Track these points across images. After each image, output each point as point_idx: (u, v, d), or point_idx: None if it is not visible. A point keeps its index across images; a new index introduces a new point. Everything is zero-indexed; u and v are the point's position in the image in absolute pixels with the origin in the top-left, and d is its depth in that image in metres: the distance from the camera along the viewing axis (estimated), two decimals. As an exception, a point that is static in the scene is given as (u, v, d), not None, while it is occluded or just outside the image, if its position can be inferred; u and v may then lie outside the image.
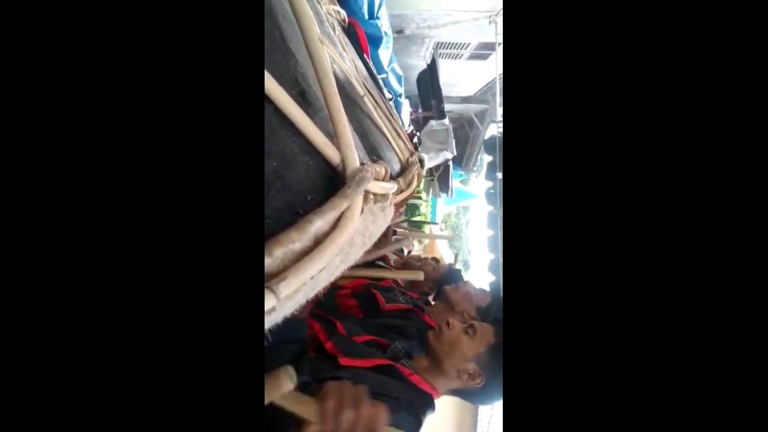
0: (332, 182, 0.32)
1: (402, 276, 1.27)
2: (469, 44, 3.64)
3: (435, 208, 5.65)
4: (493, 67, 3.72)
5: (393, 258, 1.62)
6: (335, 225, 0.30)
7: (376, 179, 0.37)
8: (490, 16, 3.07)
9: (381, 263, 1.40)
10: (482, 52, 3.73)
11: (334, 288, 1.05)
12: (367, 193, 0.34)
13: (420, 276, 1.21)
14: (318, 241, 0.28)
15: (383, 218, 0.39)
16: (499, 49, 3.34)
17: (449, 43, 3.64)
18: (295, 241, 0.26)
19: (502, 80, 3.57)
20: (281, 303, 0.25)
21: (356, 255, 0.34)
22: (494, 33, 3.14)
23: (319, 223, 0.28)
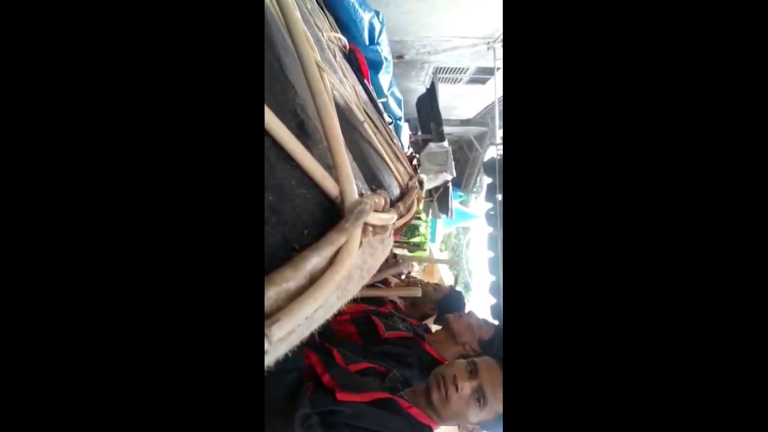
0: (330, 215, 0.31)
1: (399, 293, 1.25)
2: (467, 69, 3.71)
3: (435, 228, 5.65)
4: (492, 91, 3.78)
5: (394, 281, 1.60)
6: (332, 260, 0.29)
7: (376, 210, 0.36)
8: (488, 43, 3.14)
9: (380, 284, 1.38)
10: (481, 76, 3.80)
11: (332, 313, 1.04)
12: (366, 225, 0.33)
13: (418, 292, 1.18)
14: (314, 279, 0.27)
15: (382, 250, 0.38)
16: (498, 74, 3.40)
17: (448, 68, 3.71)
18: (290, 279, 0.25)
19: (501, 103, 3.63)
20: (274, 346, 0.24)
21: (354, 290, 0.33)
22: (492, 58, 3.21)
23: (315, 260, 0.27)
